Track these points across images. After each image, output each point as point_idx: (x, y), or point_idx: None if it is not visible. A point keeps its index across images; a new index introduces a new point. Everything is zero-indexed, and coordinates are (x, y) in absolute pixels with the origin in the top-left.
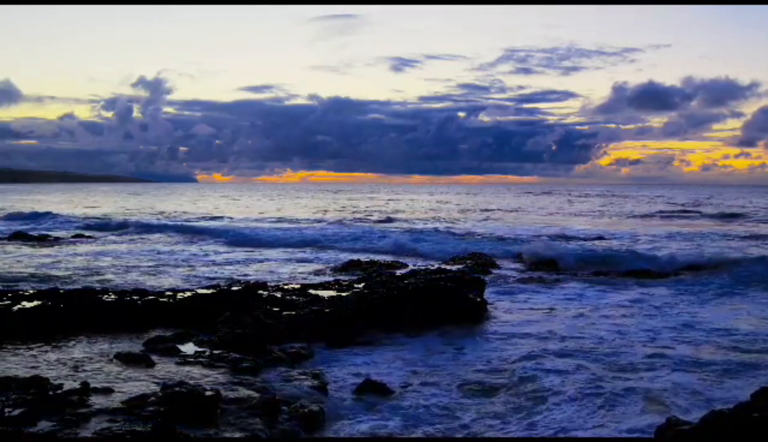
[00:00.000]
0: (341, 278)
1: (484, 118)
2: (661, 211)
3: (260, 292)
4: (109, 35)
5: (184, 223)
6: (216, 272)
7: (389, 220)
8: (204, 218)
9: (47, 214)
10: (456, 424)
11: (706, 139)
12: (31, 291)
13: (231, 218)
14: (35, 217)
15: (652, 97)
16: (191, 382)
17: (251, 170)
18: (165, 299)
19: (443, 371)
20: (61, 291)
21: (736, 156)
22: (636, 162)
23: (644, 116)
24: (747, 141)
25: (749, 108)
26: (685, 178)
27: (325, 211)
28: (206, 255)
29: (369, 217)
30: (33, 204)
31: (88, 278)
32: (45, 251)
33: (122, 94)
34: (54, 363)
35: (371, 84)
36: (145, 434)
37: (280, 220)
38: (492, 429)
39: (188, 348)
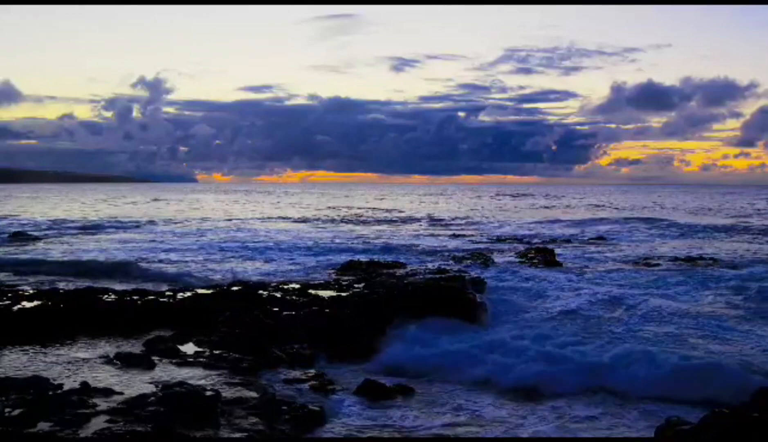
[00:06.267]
0: (341, 277)
1: (484, 118)
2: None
3: (260, 292)
4: (109, 35)
5: None
6: None
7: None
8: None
9: None
10: (452, 421)
11: (705, 139)
12: (31, 291)
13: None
14: None
15: (652, 97)
16: (191, 382)
17: (251, 170)
18: (165, 299)
19: (444, 371)
20: (61, 291)
21: (736, 156)
22: (636, 162)
23: (644, 116)
24: (746, 141)
25: (748, 108)
26: (684, 178)
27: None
28: None
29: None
30: None
31: None
32: None
33: (122, 94)
34: (54, 363)
35: (371, 84)
36: (145, 434)
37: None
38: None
39: (188, 348)
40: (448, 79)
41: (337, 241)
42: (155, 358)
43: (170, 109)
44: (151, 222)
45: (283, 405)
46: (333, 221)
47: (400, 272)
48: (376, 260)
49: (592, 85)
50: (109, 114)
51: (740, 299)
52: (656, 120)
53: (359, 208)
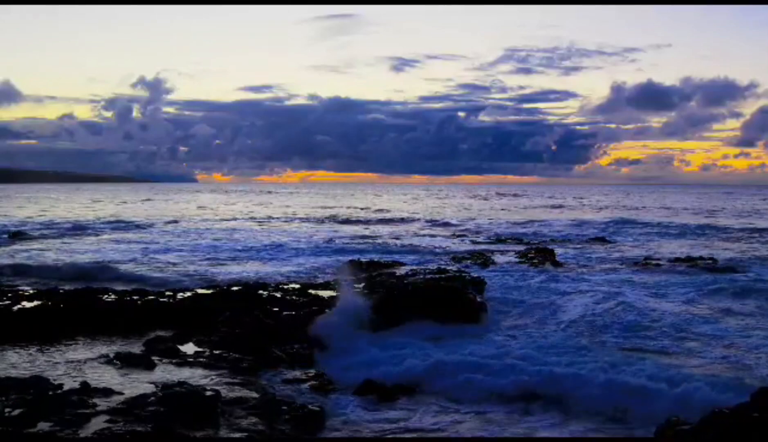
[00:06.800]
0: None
1: (484, 118)
2: None
3: (260, 292)
4: (109, 35)
5: None
6: None
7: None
8: None
9: None
10: (452, 421)
11: (705, 139)
12: (31, 291)
13: None
14: None
15: (652, 97)
16: (191, 382)
17: (251, 170)
18: (165, 299)
19: (444, 372)
20: (60, 291)
21: (736, 156)
22: (636, 162)
23: (644, 116)
24: (746, 141)
25: (748, 108)
26: (684, 178)
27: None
28: None
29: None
30: None
31: None
32: None
33: (122, 94)
34: (54, 363)
35: (371, 84)
36: (145, 434)
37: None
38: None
39: (188, 348)
40: (448, 79)
41: (337, 241)
42: (155, 358)
43: (170, 109)
44: (150, 223)
45: (283, 405)
46: (332, 221)
47: (400, 272)
48: (376, 260)
49: (592, 85)
50: (109, 114)
51: (739, 300)
52: (656, 120)
53: (359, 208)
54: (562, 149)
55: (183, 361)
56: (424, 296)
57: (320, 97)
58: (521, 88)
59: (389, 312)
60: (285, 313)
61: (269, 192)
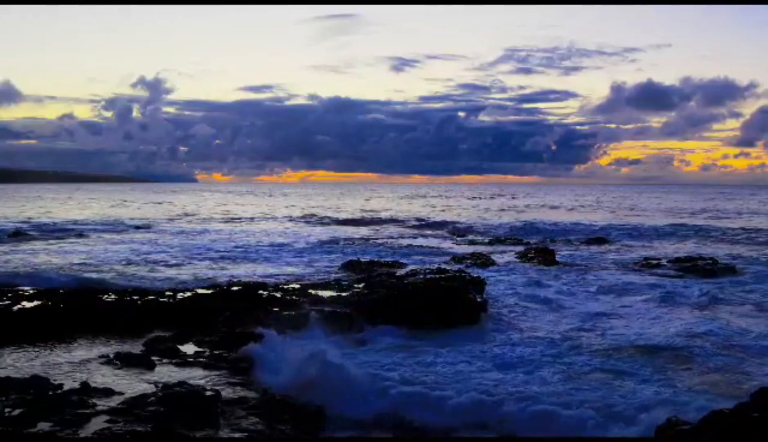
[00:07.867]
0: (341, 277)
1: (484, 118)
2: None
3: (260, 292)
4: (109, 35)
5: None
6: None
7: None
8: None
9: None
10: (452, 419)
11: (705, 139)
12: (31, 291)
13: None
14: None
15: (652, 97)
16: (191, 382)
17: (251, 170)
18: (165, 299)
19: (444, 372)
20: (60, 291)
21: (736, 156)
22: (636, 162)
23: (644, 116)
24: (746, 141)
25: (748, 108)
26: (684, 178)
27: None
28: None
29: None
30: None
31: None
32: None
33: (122, 94)
34: (54, 363)
35: (371, 84)
36: (145, 434)
37: None
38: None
39: (188, 348)
40: (448, 79)
41: (337, 241)
42: (155, 358)
43: (170, 109)
44: (149, 223)
45: (283, 405)
46: (332, 221)
47: (400, 272)
48: (376, 260)
49: (592, 85)
50: (109, 114)
51: (739, 300)
52: (656, 120)
53: (359, 208)
54: (562, 149)
55: (183, 361)
56: (424, 296)
57: (320, 97)
58: (521, 88)
59: (390, 311)
60: (285, 313)
61: (269, 193)
